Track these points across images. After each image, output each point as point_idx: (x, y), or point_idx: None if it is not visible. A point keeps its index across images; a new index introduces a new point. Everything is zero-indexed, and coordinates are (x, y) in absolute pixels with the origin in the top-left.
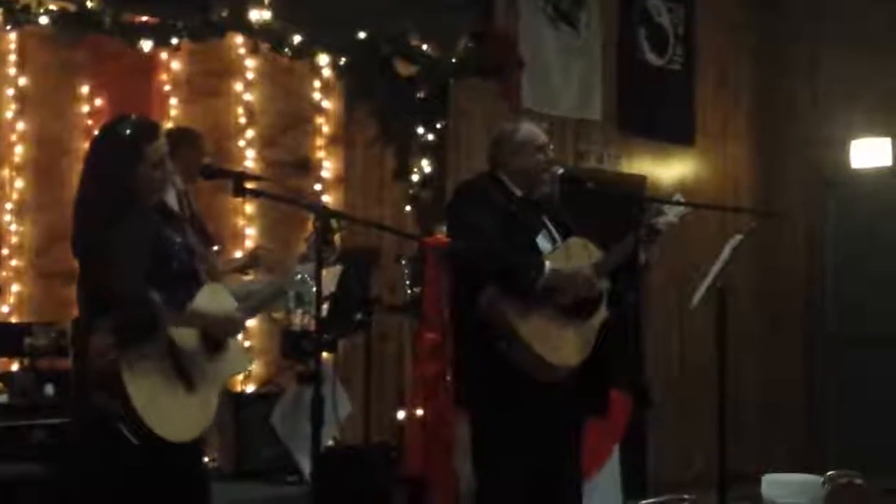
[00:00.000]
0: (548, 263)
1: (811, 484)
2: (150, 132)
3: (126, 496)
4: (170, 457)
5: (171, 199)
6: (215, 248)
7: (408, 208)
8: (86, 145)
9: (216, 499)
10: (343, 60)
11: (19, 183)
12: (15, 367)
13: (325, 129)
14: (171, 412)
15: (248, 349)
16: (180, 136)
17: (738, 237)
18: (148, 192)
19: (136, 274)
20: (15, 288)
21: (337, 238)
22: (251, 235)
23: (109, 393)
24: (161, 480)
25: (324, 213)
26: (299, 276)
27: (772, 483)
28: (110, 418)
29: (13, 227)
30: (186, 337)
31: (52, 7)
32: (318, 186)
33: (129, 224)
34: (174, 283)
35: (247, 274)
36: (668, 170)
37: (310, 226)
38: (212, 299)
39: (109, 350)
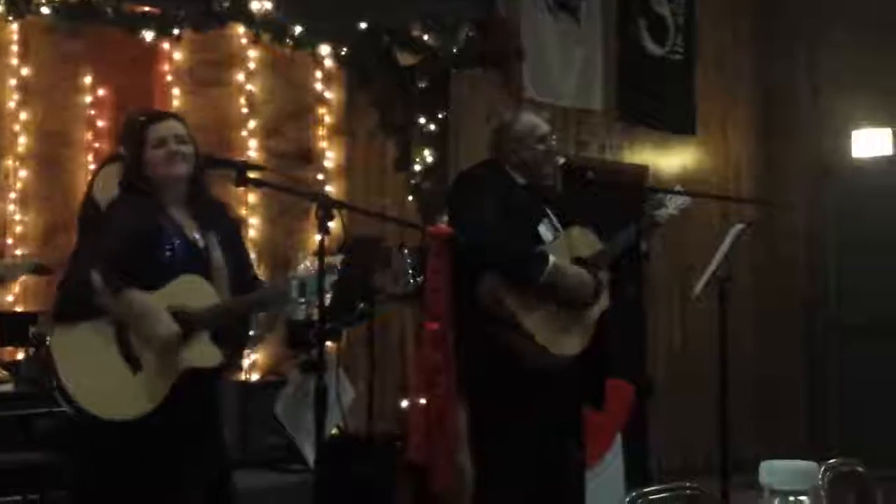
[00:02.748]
0: (552, 258)
1: (809, 470)
2: (152, 116)
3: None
4: (134, 436)
5: None
6: None
7: (409, 198)
8: (89, 135)
9: None
10: (344, 51)
11: (23, 173)
12: (20, 355)
13: (327, 119)
14: (106, 390)
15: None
16: None
17: (740, 226)
18: (154, 170)
19: (86, 255)
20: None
21: (338, 225)
22: (254, 225)
23: (46, 365)
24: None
25: (326, 202)
26: (302, 266)
27: (769, 470)
28: (52, 390)
29: (17, 217)
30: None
31: None
32: (320, 176)
33: (116, 206)
34: (161, 269)
35: None
36: (670, 160)
37: (312, 215)
38: (175, 292)
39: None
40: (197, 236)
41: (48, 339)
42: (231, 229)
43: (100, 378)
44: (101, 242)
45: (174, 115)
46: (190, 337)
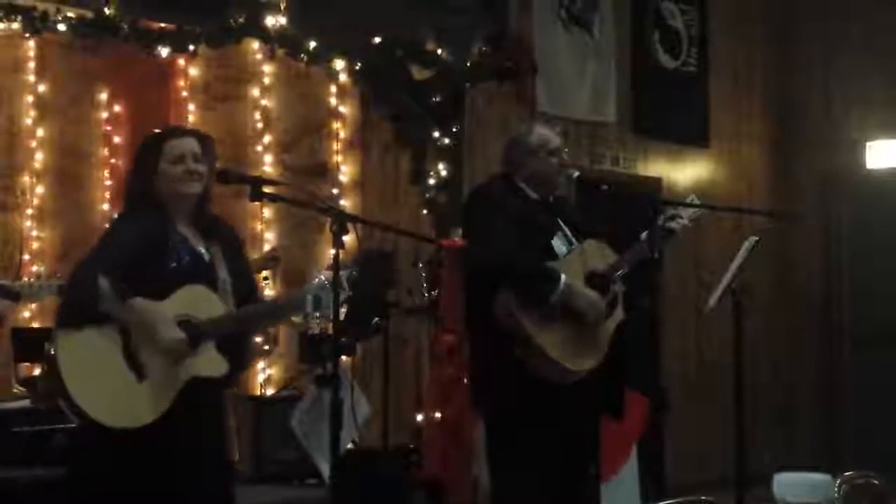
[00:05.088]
0: (563, 278)
1: (823, 483)
2: (170, 131)
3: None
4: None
5: None
6: None
7: (424, 212)
8: (105, 151)
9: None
10: (359, 65)
11: (39, 189)
12: (36, 371)
13: (342, 133)
14: (110, 397)
15: (266, 353)
16: None
17: (754, 238)
18: (168, 184)
19: (92, 261)
20: None
21: (353, 239)
22: (269, 239)
23: (50, 371)
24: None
25: (340, 216)
26: (317, 281)
27: (783, 482)
28: (56, 397)
29: (34, 233)
30: (150, 330)
31: (71, 14)
32: (334, 191)
33: (123, 218)
34: (167, 280)
35: (264, 276)
36: (683, 172)
37: (327, 230)
38: (182, 302)
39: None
40: (202, 249)
41: (56, 349)
42: (234, 244)
43: (104, 385)
44: (107, 250)
45: (194, 132)
46: (196, 346)
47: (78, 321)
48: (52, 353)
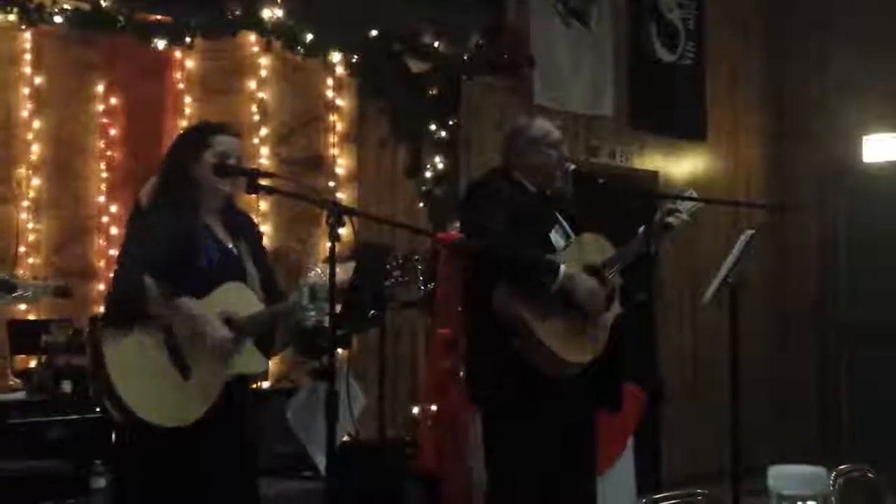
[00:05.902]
0: (563, 267)
1: (817, 476)
2: (220, 127)
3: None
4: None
5: None
6: None
7: (420, 205)
8: (101, 143)
9: None
10: (355, 58)
11: (36, 181)
12: (32, 363)
13: (338, 126)
14: (156, 395)
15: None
16: None
17: (750, 232)
18: (210, 180)
19: (135, 261)
20: None
21: (349, 232)
22: (266, 232)
23: (95, 364)
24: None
25: (337, 209)
26: (312, 274)
27: (778, 475)
28: (100, 393)
29: (30, 225)
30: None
31: (67, 6)
32: (331, 183)
33: (152, 213)
34: (200, 278)
35: None
36: (680, 165)
37: (323, 222)
38: (222, 300)
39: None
40: (230, 245)
41: (103, 346)
42: (257, 239)
43: (152, 384)
44: (146, 248)
45: (237, 133)
46: (238, 344)
47: (126, 321)
48: (99, 351)
